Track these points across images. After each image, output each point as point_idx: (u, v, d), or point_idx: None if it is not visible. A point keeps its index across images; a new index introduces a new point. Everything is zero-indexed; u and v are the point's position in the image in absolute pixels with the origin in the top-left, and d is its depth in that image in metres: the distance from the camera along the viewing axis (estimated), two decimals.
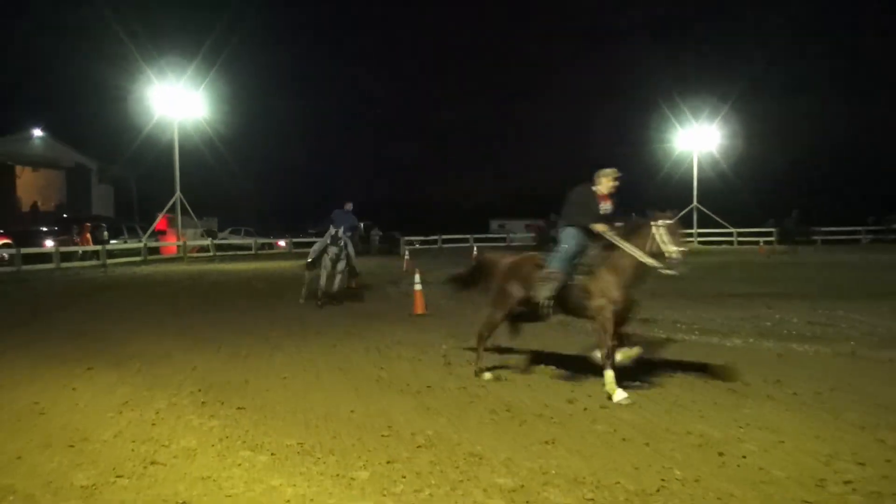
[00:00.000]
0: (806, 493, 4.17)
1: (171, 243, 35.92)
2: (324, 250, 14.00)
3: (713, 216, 44.67)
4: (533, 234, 39.60)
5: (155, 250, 33.40)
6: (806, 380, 7.02)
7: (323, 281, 13.89)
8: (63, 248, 26.91)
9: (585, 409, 6.14)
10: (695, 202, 46.33)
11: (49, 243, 27.40)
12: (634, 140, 54.89)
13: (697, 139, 46.41)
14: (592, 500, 4.12)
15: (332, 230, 13.93)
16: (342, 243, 13.81)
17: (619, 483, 4.36)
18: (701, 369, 7.60)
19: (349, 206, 14.60)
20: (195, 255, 34.54)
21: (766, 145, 53.25)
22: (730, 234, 43.05)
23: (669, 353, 8.54)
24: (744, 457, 4.81)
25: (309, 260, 14.52)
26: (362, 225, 44.05)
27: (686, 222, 44.84)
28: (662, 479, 4.41)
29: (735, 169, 47.72)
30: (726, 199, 46.10)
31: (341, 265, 13.95)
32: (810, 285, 16.00)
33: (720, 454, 4.88)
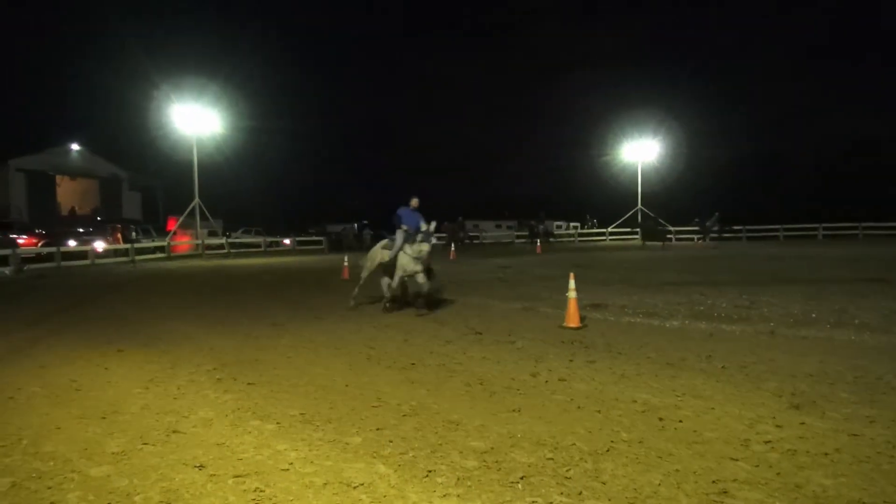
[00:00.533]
0: (732, 451, 4.19)
1: (180, 242, 35.53)
2: (401, 249, 10.89)
3: (654, 217, 45.04)
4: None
5: (165, 248, 32.81)
6: (733, 355, 7.06)
7: (395, 283, 11.06)
8: (81, 248, 26.21)
9: (546, 381, 6.14)
10: (639, 205, 46.69)
11: (72, 243, 26.68)
12: (589, 153, 55.23)
13: (641, 151, 46.79)
14: (552, 458, 4.11)
15: (418, 227, 10.73)
16: (433, 240, 10.95)
17: (574, 444, 4.36)
18: (644, 346, 7.65)
19: (416, 203, 11.17)
20: (207, 251, 34.18)
21: (699, 155, 53.80)
22: (669, 232, 43.45)
23: (617, 333, 8.56)
24: (680, 421, 4.83)
25: (386, 259, 11.18)
26: (356, 225, 43.88)
27: (632, 223, 45.46)
28: (612, 441, 4.42)
29: (674, 175, 48.32)
30: (665, 201, 46.61)
31: (425, 265, 10.98)
32: (736, 275, 16.14)
33: (660, 419, 4.89)
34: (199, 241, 34.65)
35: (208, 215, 36.72)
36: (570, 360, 7.01)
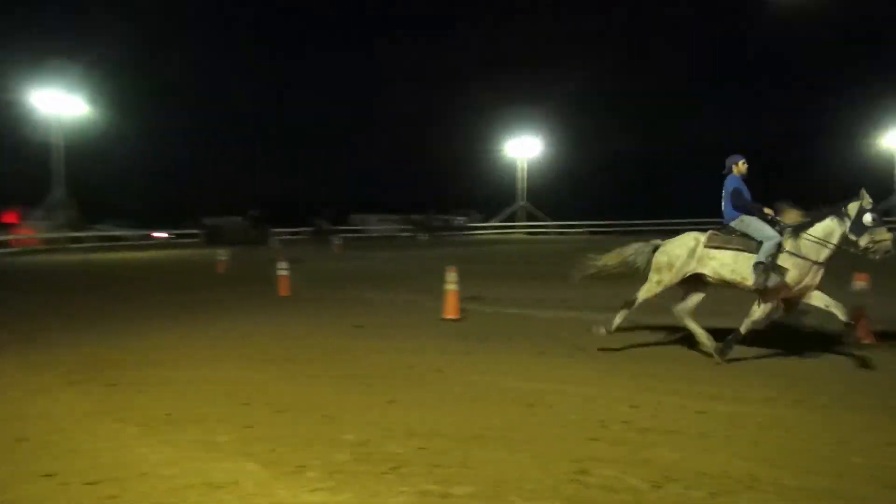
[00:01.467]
0: (593, 431, 4.45)
1: (24, 236, 32.61)
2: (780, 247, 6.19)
3: (537, 212, 46.66)
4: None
5: (5, 244, 29.99)
6: (598, 343, 7.37)
7: (770, 305, 6.40)
8: None
9: (423, 373, 6.23)
10: (524, 200, 48.18)
11: None
12: (473, 149, 55.97)
13: (524, 148, 48.21)
14: (424, 448, 4.18)
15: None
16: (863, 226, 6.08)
17: (447, 433, 4.46)
18: (518, 336, 7.92)
19: (743, 166, 6.74)
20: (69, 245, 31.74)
21: (579, 154, 55.88)
22: (548, 227, 45.06)
23: (494, 324, 8.81)
24: (550, 406, 5.06)
25: (765, 274, 6.09)
26: (246, 216, 42.19)
27: (513, 218, 46.83)
28: (483, 428, 4.56)
29: (557, 172, 50.11)
30: (547, 197, 48.30)
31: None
32: None
33: (530, 405, 5.10)
34: (54, 235, 32.23)
35: (91, 205, 34.40)
36: (447, 352, 7.15)
